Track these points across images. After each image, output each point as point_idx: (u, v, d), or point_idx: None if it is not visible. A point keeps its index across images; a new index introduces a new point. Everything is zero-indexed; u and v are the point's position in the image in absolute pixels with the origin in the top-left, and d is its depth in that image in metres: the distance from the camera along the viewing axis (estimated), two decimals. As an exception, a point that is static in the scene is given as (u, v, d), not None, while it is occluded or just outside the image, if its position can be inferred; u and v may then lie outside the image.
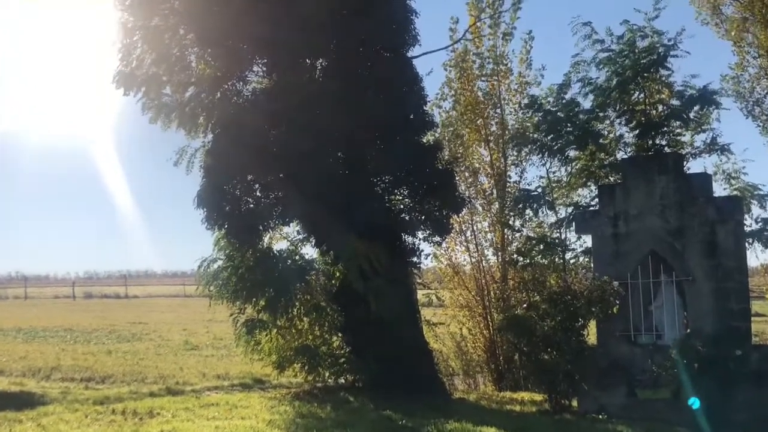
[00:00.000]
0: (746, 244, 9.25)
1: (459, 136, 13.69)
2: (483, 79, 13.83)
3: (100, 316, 26.40)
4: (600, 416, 8.52)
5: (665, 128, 10.34)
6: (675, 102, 10.38)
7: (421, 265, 11.54)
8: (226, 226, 9.92)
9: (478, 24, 13.64)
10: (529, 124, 12.29)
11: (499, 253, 13.37)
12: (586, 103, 10.79)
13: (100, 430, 7.66)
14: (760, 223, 10.05)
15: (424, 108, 10.91)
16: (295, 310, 10.45)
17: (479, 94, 13.83)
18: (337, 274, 10.31)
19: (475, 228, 13.74)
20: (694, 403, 7.68)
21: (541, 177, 12.39)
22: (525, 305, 9.33)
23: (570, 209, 11.63)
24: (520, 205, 11.80)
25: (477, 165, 13.82)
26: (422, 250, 11.06)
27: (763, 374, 8.09)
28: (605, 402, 8.74)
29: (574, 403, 9.11)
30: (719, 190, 10.07)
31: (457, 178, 11.71)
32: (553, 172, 12.06)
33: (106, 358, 14.68)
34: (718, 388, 7.82)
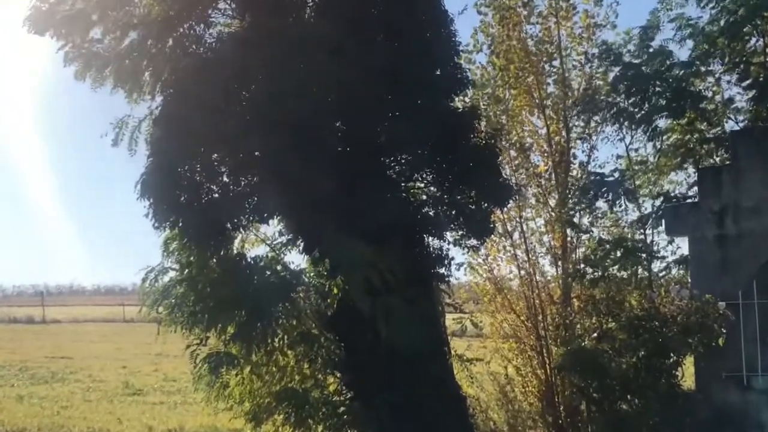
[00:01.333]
0: None
1: (500, 100, 13.64)
2: (534, 21, 13.75)
3: (8, 348, 26.62)
4: (700, 488, 8.52)
5: (793, 88, 10.30)
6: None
7: (451, 279, 11.55)
8: (180, 223, 9.92)
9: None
10: (601, 83, 12.23)
11: (560, 263, 13.31)
12: (682, 54, 10.76)
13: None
14: None
15: (456, 60, 10.87)
16: (277, 339, 10.46)
17: (529, 42, 13.76)
18: (335, 290, 10.30)
19: (525, 228, 13.69)
20: None
21: (619, 156, 12.36)
22: (595, 335, 9.34)
23: (659, 201, 11.60)
24: (590, 195, 11.76)
25: (528, 140, 13.76)
26: (452, 258, 11.03)
27: None
28: (707, 468, 8.74)
29: (664, 470, 9.10)
30: None
31: (500, 158, 11.68)
32: (636, 150, 12.05)
33: (16, 405, 14.79)
34: None
